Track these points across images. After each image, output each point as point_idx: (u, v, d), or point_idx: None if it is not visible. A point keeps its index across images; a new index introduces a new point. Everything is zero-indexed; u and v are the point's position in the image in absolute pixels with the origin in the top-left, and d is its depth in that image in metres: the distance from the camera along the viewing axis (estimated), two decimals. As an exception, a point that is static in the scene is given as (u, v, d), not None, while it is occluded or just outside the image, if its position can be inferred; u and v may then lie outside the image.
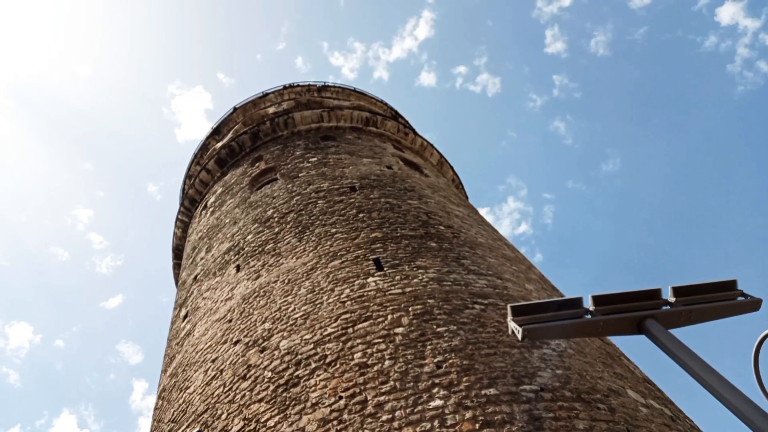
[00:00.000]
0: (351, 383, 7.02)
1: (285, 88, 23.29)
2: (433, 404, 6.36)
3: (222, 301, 11.34)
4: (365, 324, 8.14)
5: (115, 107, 59.92)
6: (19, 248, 51.80)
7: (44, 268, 53.12)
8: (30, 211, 54.14)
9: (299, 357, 7.95)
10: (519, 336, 3.71)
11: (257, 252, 12.14)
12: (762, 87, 47.19)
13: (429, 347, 7.37)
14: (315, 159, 16.07)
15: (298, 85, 23.48)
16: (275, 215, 13.36)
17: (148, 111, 62.17)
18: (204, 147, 23.52)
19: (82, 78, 58.14)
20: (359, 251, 10.43)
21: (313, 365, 7.64)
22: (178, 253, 20.82)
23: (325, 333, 8.23)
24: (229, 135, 22.19)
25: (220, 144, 21.98)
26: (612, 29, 54.31)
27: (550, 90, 57.96)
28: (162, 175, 62.30)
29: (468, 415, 6.12)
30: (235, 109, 23.25)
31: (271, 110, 21.91)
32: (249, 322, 9.68)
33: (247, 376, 8.25)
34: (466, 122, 60.90)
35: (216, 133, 23.40)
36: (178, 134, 62.50)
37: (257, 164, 17.69)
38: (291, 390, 7.37)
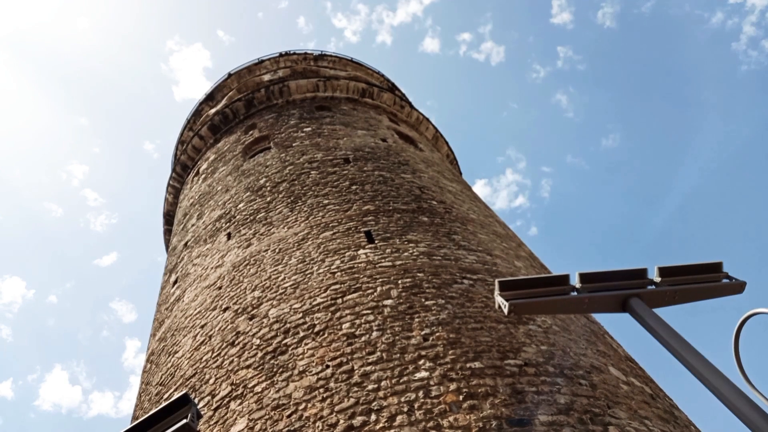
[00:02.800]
0: (338, 353, 7.10)
1: (281, 55, 22.92)
2: (418, 375, 6.46)
3: (212, 268, 11.36)
4: (354, 295, 8.20)
5: (113, 61, 58.73)
6: (13, 202, 51.38)
7: (38, 224, 52.77)
8: (25, 165, 53.50)
9: (288, 325, 8.02)
10: (505, 310, 3.75)
11: (249, 220, 12.12)
12: (766, 67, 46.91)
13: (417, 320, 7.45)
14: (309, 129, 15.93)
15: (295, 53, 23.12)
16: (268, 184, 13.31)
17: (145, 66, 60.97)
18: (197, 113, 23.24)
19: (80, 31, 56.81)
20: (351, 223, 10.44)
21: (302, 334, 7.71)
22: (169, 218, 20.75)
23: (314, 303, 8.29)
24: (223, 101, 21.91)
25: (213, 110, 21.71)
26: (620, 1, 53.59)
27: (554, 61, 57.41)
28: (159, 133, 61.60)
29: (452, 386, 6.23)
30: (229, 75, 22.90)
31: (266, 78, 21.61)
32: (239, 290, 9.73)
33: (236, 342, 8.32)
34: (468, 91, 60.36)
35: (209, 98, 23.09)
36: (176, 92, 61.54)
37: (251, 132, 17.52)
38: (279, 357, 7.45)
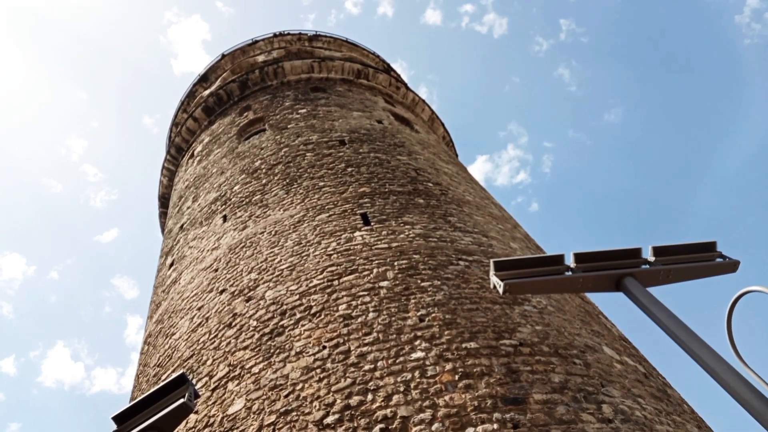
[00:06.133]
0: (335, 334, 7.14)
1: (275, 36, 22.66)
2: (414, 356, 6.51)
3: (208, 250, 11.35)
4: (351, 277, 8.22)
5: (111, 34, 57.82)
6: (12, 178, 50.99)
7: (37, 199, 52.45)
8: (23, 140, 52.97)
9: (284, 307, 8.05)
10: (500, 290, 3.76)
11: (244, 203, 12.09)
12: (768, 41, 46.44)
13: (413, 301, 7.48)
14: (304, 110, 15.82)
15: (289, 34, 22.86)
16: (263, 166, 13.25)
17: (143, 39, 60.05)
18: (191, 94, 23.02)
19: (77, 2, 55.90)
20: (347, 205, 10.43)
21: (298, 315, 7.74)
22: (164, 201, 20.68)
23: (310, 285, 8.31)
24: (217, 83, 21.70)
25: (207, 92, 21.50)
26: (624, -28, 52.90)
27: (556, 34, 56.80)
28: (158, 107, 61.03)
29: (448, 366, 6.29)
30: (223, 55, 22.66)
31: (260, 59, 21.38)
32: (235, 272, 9.74)
33: (233, 324, 8.36)
34: (470, 64, 59.71)
35: (203, 80, 22.86)
36: (175, 65, 60.75)
37: (245, 114, 17.38)
38: (276, 339, 7.49)
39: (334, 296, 7.88)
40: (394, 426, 5.64)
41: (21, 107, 53.36)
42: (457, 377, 6.12)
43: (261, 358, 7.26)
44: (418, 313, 7.23)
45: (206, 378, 7.64)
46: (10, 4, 51.50)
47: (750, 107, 44.97)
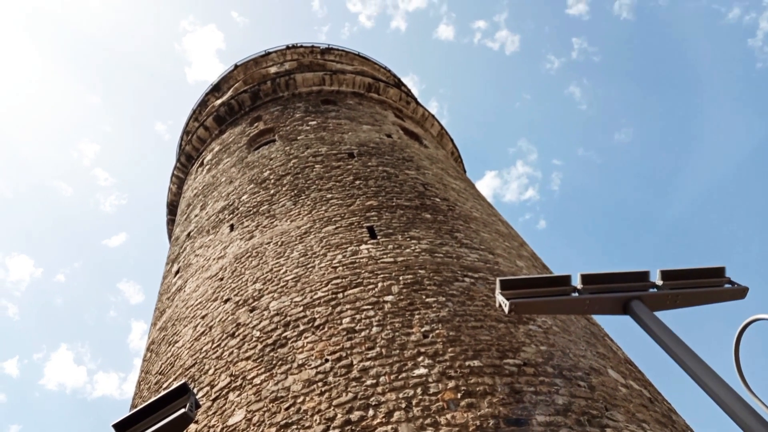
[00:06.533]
0: (338, 347, 7.11)
1: (288, 48, 22.91)
2: (417, 372, 6.47)
3: (214, 259, 11.38)
4: (355, 290, 8.20)
5: (126, 40, 58.60)
6: (23, 180, 51.46)
7: (47, 202, 52.84)
8: (36, 142, 53.51)
9: (288, 318, 8.03)
10: (506, 309, 3.74)
11: (252, 212, 12.13)
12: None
13: (417, 317, 7.45)
14: (314, 122, 15.92)
15: (302, 46, 23.09)
16: (271, 177, 13.31)
17: (159, 46, 60.74)
18: (203, 103, 23.25)
19: (93, 8, 56.75)
20: (354, 218, 10.44)
21: (302, 327, 7.72)
22: (172, 208, 20.79)
23: (315, 297, 8.30)
24: (229, 93, 21.91)
25: (219, 101, 21.70)
26: (637, -7, 53.13)
27: (568, 53, 57.02)
28: (170, 114, 61.67)
29: (451, 384, 6.23)
30: (236, 66, 22.91)
31: (272, 70, 21.59)
32: (240, 282, 9.74)
33: (236, 334, 8.34)
34: (481, 80, 60.06)
35: (215, 89, 23.09)
36: (189, 74, 61.38)
37: (256, 124, 17.51)
38: (278, 350, 7.46)
39: (338, 309, 7.86)
40: (394, 443, 5.59)
41: (35, 109, 54.19)
42: (459, 395, 6.07)
43: (263, 370, 7.24)
44: (422, 329, 7.19)
45: (207, 387, 7.61)
46: (30, 9, 52.46)
47: (758, 128, 44.79)
